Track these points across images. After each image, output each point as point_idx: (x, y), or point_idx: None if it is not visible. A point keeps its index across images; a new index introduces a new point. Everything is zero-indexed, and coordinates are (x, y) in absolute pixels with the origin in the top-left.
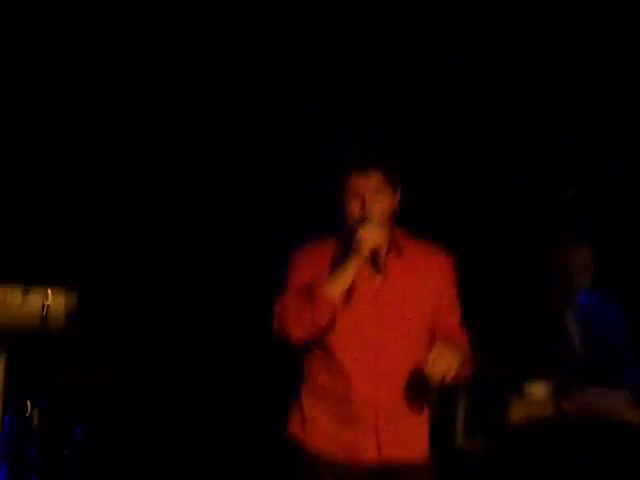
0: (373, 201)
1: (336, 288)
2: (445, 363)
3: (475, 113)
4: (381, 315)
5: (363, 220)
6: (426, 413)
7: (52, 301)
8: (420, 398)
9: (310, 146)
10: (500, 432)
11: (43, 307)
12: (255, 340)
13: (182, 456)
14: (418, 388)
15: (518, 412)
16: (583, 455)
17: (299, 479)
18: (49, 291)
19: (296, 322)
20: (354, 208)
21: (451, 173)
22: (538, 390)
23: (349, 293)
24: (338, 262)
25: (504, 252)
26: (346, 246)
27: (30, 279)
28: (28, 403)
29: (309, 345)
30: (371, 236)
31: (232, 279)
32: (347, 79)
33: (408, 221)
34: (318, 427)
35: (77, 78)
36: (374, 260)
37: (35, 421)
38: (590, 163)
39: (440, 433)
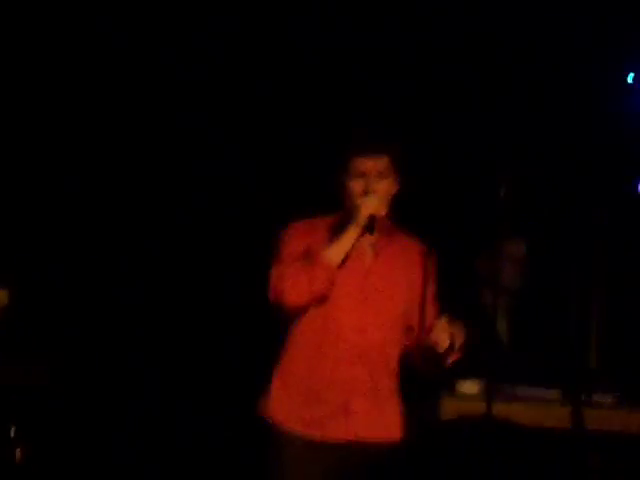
0: (377, 181)
1: (335, 254)
2: (455, 332)
3: (417, 111)
4: (366, 296)
5: (365, 194)
6: (398, 394)
7: None
8: (428, 369)
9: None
10: (431, 429)
11: None
12: (220, 322)
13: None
14: (425, 360)
15: (449, 409)
16: (512, 453)
17: (273, 458)
18: None
19: (292, 288)
20: (358, 187)
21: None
22: (469, 387)
23: (338, 272)
24: (336, 233)
25: (437, 246)
26: (345, 221)
27: None
28: None
29: (288, 326)
30: (370, 205)
31: (185, 270)
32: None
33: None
34: (289, 407)
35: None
36: (370, 228)
37: None
38: (527, 159)
39: None
